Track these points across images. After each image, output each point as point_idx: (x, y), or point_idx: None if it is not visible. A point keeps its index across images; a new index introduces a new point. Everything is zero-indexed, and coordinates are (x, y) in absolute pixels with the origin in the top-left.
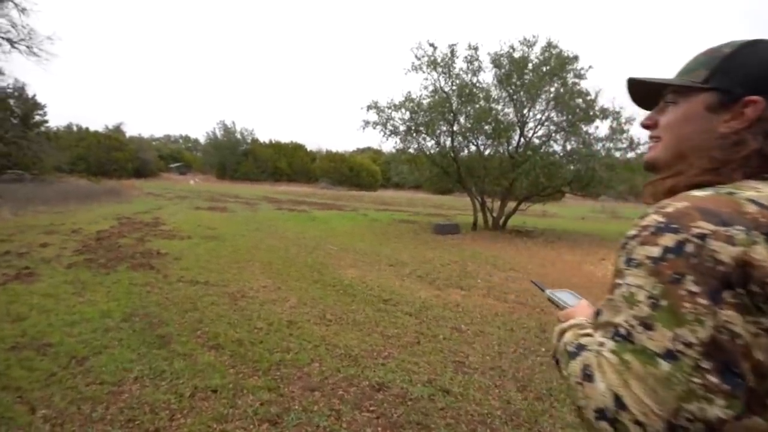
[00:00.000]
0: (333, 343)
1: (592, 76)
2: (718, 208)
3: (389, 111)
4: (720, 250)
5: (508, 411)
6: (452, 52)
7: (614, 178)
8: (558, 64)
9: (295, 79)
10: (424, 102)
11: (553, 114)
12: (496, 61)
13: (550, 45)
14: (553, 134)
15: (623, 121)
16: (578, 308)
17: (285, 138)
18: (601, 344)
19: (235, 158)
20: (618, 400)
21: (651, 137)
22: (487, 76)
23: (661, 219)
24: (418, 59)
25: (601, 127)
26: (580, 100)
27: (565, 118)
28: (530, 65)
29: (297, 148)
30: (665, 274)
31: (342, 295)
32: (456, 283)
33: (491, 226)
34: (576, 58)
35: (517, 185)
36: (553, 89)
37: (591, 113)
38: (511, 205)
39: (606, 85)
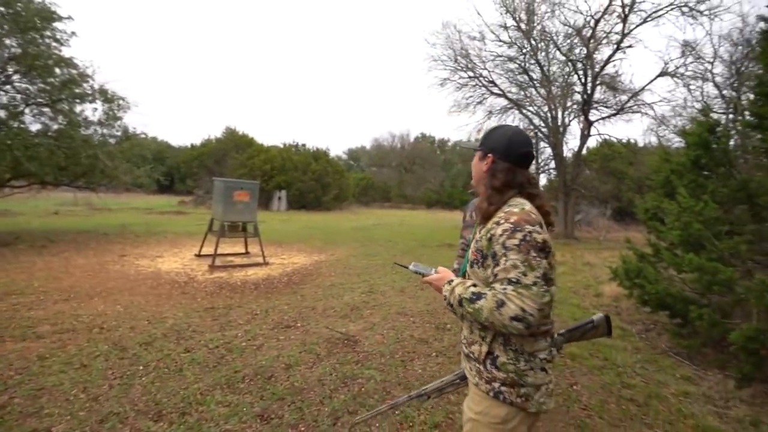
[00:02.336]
0: None
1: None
2: (526, 217)
3: None
4: (537, 236)
5: None
6: None
7: (119, 168)
8: (32, 12)
9: None
10: None
11: (16, 78)
12: None
13: None
14: (24, 107)
15: (117, 108)
16: (445, 273)
17: None
18: (504, 288)
19: None
20: (522, 309)
21: None
22: None
23: (511, 225)
24: None
25: (89, 110)
26: (63, 72)
27: (38, 87)
28: None
29: None
30: (523, 250)
31: None
32: None
33: None
34: (61, 17)
35: None
36: (14, 43)
37: (81, 91)
38: None
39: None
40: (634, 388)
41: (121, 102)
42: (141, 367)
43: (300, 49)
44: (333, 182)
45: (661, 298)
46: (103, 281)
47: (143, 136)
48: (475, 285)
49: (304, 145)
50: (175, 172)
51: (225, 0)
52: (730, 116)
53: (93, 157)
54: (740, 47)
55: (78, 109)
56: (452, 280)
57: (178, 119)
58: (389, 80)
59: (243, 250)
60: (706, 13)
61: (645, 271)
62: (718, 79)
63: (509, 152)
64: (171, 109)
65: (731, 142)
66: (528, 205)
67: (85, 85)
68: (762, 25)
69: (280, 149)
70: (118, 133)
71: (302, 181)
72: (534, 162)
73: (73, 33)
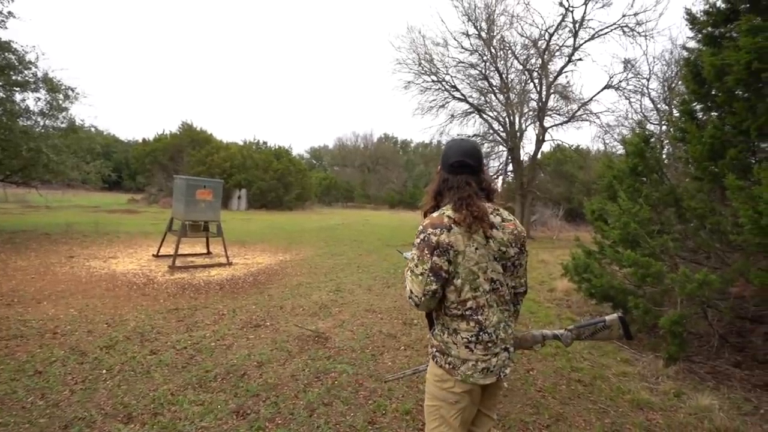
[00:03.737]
0: None
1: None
2: (435, 221)
3: None
4: (433, 238)
5: None
6: None
7: (66, 163)
8: None
9: None
10: None
11: None
12: None
13: None
14: None
15: (63, 98)
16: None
17: None
18: (407, 273)
19: None
20: (411, 290)
21: None
22: None
23: (421, 227)
24: None
25: (31, 100)
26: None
27: None
28: None
29: None
30: (419, 248)
31: None
32: None
33: None
34: None
35: None
36: None
37: (21, 78)
38: None
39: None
40: (582, 371)
41: (69, 92)
42: (104, 371)
43: (262, 45)
44: (295, 181)
45: (605, 290)
46: (51, 284)
47: (91, 129)
48: None
49: (265, 142)
50: (124, 168)
51: None
52: (664, 128)
53: (36, 151)
54: (671, 67)
55: (18, 97)
56: None
57: (126, 111)
58: (353, 80)
59: (203, 250)
60: (643, 34)
61: (591, 267)
62: (653, 94)
63: (444, 163)
64: (118, 100)
65: (665, 151)
66: (449, 211)
67: (26, 72)
68: (684, 53)
69: (240, 146)
70: (63, 125)
71: (263, 179)
72: (489, 165)
73: (11, 13)
